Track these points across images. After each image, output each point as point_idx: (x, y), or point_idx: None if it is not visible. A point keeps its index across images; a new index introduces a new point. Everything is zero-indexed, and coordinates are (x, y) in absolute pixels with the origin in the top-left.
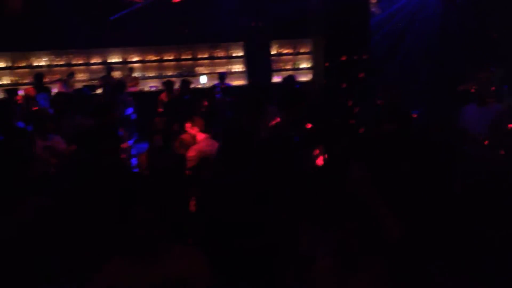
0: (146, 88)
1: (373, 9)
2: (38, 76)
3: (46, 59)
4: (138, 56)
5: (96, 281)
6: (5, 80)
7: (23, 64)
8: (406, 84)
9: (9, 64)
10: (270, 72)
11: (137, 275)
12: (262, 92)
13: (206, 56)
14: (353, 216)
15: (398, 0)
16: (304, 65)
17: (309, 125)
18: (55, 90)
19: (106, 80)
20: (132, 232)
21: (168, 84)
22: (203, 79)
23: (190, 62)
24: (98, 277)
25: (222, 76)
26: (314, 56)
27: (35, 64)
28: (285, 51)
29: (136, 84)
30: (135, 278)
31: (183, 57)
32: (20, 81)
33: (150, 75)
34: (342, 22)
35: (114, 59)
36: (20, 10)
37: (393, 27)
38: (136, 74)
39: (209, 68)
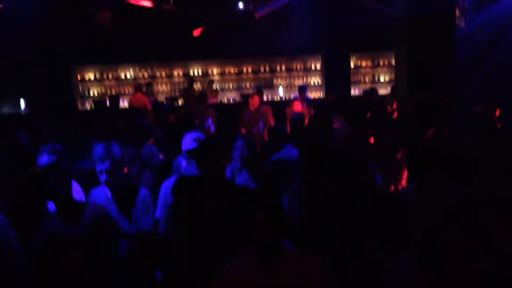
0: (225, 100)
1: (457, 22)
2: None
3: (132, 71)
4: (217, 68)
5: (217, 284)
6: (95, 91)
7: (111, 76)
8: (491, 96)
9: (98, 76)
10: (348, 85)
11: (256, 279)
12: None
13: (283, 68)
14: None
15: (484, 14)
16: (383, 78)
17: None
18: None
19: (188, 92)
20: (250, 236)
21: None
22: (281, 91)
23: (268, 74)
24: (218, 281)
25: (302, 89)
26: (396, 69)
27: (121, 76)
28: (364, 63)
29: (215, 96)
30: (254, 282)
31: (261, 69)
32: (107, 93)
33: (229, 87)
34: (426, 34)
35: (195, 71)
36: (108, 26)
37: (479, 39)
38: (215, 86)
39: (287, 80)
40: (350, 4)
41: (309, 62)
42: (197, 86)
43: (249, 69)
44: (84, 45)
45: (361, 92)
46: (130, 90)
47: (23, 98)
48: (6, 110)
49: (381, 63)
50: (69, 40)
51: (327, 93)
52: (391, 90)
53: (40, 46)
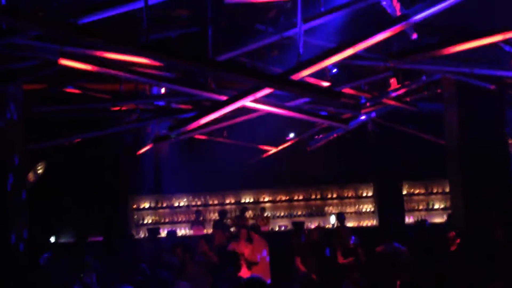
0: (276, 228)
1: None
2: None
3: (185, 200)
4: (269, 196)
5: None
6: (149, 220)
7: (165, 205)
8: None
9: (153, 205)
10: (402, 212)
11: None
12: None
13: (335, 196)
14: None
15: None
16: (437, 205)
17: None
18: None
19: (240, 221)
20: None
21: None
22: (332, 219)
23: (319, 201)
24: None
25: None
26: (451, 197)
27: (175, 204)
28: (417, 191)
29: (267, 224)
30: None
31: (312, 197)
32: (161, 220)
33: (280, 214)
34: (480, 161)
35: (247, 199)
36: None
37: None
38: (267, 214)
39: (338, 208)
40: (400, 135)
41: (360, 190)
42: (249, 214)
43: (300, 197)
44: (140, 176)
45: (415, 221)
46: (183, 218)
47: (82, 226)
48: (66, 239)
49: (434, 190)
50: (127, 173)
51: (380, 220)
52: (447, 218)
53: (101, 179)
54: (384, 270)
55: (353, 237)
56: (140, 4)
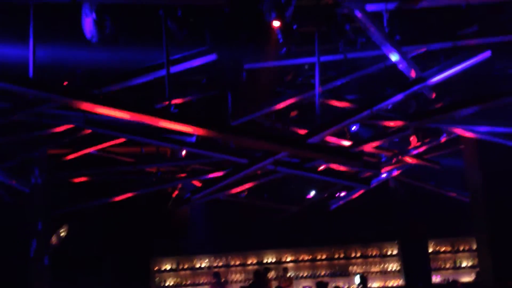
0: None
1: None
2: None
3: (207, 261)
4: (291, 255)
5: None
6: (170, 282)
7: (186, 266)
8: None
9: (174, 267)
10: (428, 271)
11: None
12: None
13: (359, 255)
14: None
15: None
16: (465, 263)
17: None
18: None
19: (262, 280)
20: None
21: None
22: (357, 279)
23: (342, 261)
24: None
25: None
26: (479, 255)
27: (197, 265)
28: (443, 249)
29: (290, 284)
30: None
31: (335, 256)
32: (183, 282)
33: (304, 274)
34: (507, 219)
35: (269, 259)
36: (186, 220)
37: None
38: (290, 274)
39: (363, 267)
40: (424, 192)
41: (385, 248)
42: (271, 274)
43: (323, 256)
44: (162, 237)
45: (443, 280)
46: (205, 279)
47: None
48: None
49: (461, 248)
50: (148, 234)
51: (406, 280)
52: (476, 276)
53: (120, 242)
54: None
55: None
56: (162, 73)
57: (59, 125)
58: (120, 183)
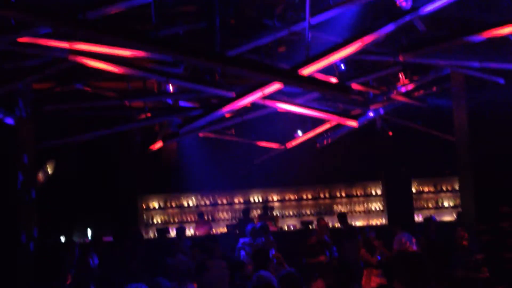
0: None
1: None
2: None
3: (194, 199)
4: (277, 195)
5: None
6: (158, 219)
7: (174, 205)
8: None
9: (162, 205)
10: (411, 211)
11: None
12: None
13: (343, 195)
14: None
15: None
16: (447, 203)
17: None
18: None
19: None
20: None
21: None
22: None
23: (328, 200)
24: None
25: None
26: (461, 195)
27: (184, 204)
28: (426, 189)
29: (275, 223)
30: None
31: (321, 196)
32: (170, 220)
33: (289, 213)
34: (491, 159)
35: (255, 198)
36: (174, 159)
37: None
38: (275, 213)
39: (347, 206)
40: (409, 132)
41: (369, 188)
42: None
43: (309, 196)
44: (150, 176)
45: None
46: (193, 217)
47: (90, 227)
48: (75, 238)
49: (444, 188)
50: (135, 172)
51: (389, 219)
52: (457, 216)
53: (109, 178)
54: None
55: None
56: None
57: (42, 56)
58: (106, 119)
